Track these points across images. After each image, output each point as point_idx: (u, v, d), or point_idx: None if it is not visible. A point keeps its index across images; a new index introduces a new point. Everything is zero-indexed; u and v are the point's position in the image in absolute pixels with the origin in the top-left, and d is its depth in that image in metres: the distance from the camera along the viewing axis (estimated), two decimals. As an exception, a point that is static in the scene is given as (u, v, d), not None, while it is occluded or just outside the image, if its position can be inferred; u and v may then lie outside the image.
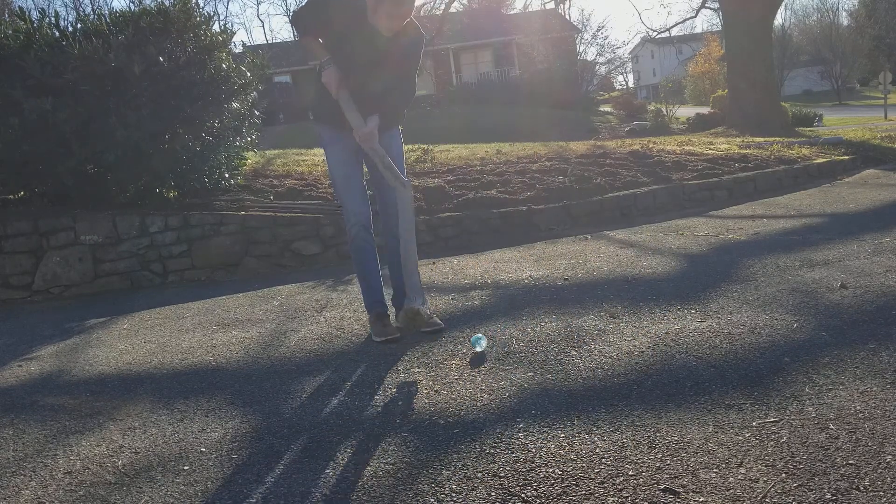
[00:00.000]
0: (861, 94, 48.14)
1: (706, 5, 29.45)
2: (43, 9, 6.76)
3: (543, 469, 1.81)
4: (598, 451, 1.88)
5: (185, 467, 2.03)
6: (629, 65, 54.99)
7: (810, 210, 5.73)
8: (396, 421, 2.21)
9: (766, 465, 1.73)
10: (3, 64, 5.02)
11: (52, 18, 5.39)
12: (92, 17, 5.60)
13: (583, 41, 37.51)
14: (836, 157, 8.25)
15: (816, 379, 2.22)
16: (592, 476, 1.76)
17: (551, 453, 1.89)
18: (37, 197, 5.62)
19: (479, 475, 1.81)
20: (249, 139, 6.18)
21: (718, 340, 2.66)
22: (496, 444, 1.97)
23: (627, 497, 1.65)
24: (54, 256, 5.01)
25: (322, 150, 3.29)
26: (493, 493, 1.72)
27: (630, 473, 1.75)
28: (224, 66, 5.59)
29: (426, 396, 2.39)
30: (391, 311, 3.23)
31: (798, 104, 25.51)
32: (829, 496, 1.57)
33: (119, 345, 3.48)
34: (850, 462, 1.71)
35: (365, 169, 3.21)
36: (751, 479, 1.67)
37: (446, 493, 1.74)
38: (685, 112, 27.57)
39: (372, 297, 3.17)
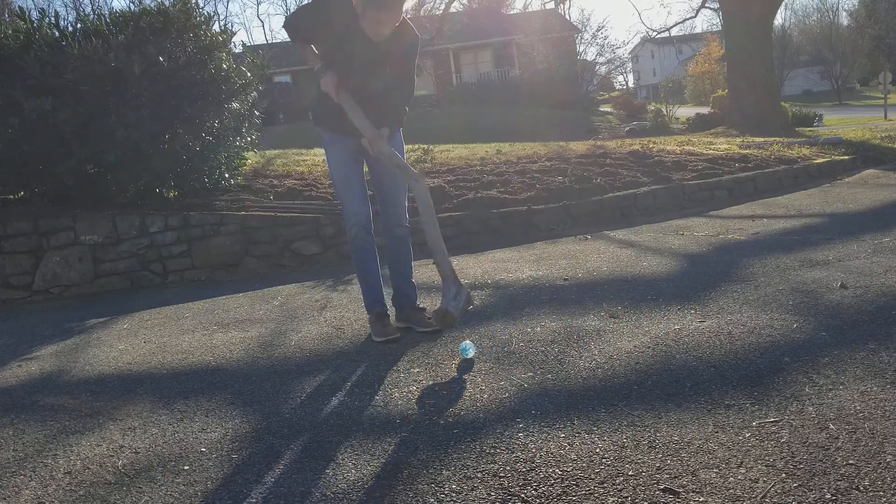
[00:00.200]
0: (861, 94, 48.15)
1: (706, 5, 29.46)
2: (43, 9, 6.76)
3: (543, 469, 1.81)
4: (598, 451, 1.88)
5: (185, 467, 2.03)
6: (629, 65, 55.01)
7: (810, 210, 5.73)
8: (396, 421, 2.21)
9: (766, 465, 1.73)
10: (3, 64, 5.02)
11: (52, 18, 5.40)
12: (92, 17, 5.60)
13: (583, 41, 37.64)
14: (836, 157, 8.25)
15: (816, 379, 2.22)
16: (592, 476, 1.76)
17: (551, 453, 1.89)
18: (37, 197, 5.63)
19: (479, 475, 1.81)
20: (249, 139, 6.18)
21: (718, 340, 2.66)
22: (496, 444, 1.97)
23: (627, 497, 1.65)
24: (54, 256, 5.01)
25: (322, 150, 3.30)
26: (493, 493, 1.72)
27: (630, 473, 1.75)
28: (224, 66, 5.59)
29: (426, 396, 2.39)
30: (391, 311, 3.23)
31: (798, 104, 25.53)
32: (829, 496, 1.57)
33: (119, 345, 3.48)
34: (850, 462, 1.71)
35: (365, 169, 3.21)
36: (751, 479, 1.67)
37: (446, 493, 1.74)
38: (685, 112, 27.58)
39: (372, 297, 3.17)
